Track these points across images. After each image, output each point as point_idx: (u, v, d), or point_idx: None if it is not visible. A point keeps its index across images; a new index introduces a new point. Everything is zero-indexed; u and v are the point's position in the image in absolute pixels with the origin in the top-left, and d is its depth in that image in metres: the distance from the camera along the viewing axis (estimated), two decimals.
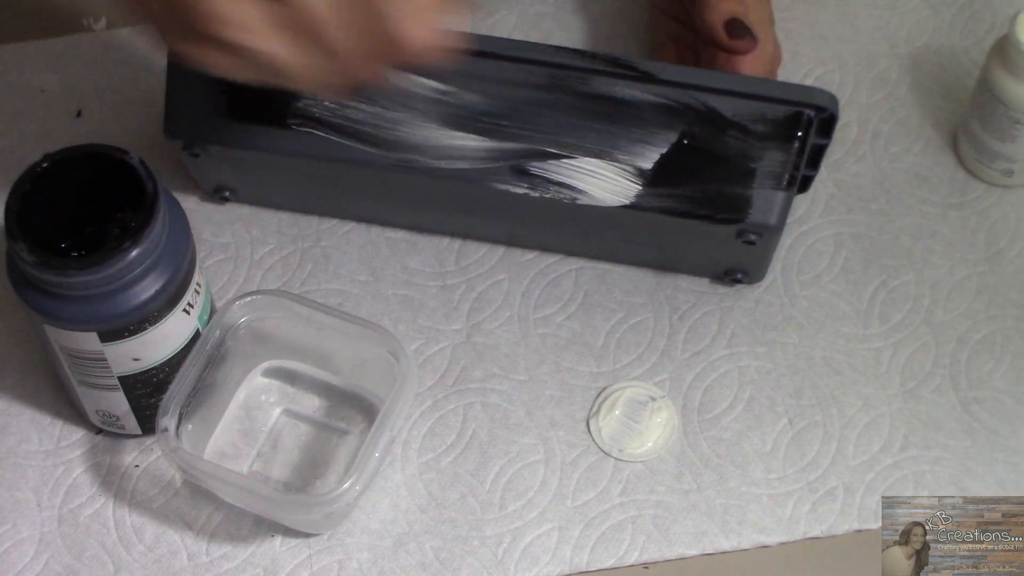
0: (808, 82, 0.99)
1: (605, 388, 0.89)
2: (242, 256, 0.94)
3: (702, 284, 0.93)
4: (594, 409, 0.89)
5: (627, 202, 0.86)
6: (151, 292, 0.80)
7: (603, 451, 0.88)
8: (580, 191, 0.86)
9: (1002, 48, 0.90)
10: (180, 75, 0.89)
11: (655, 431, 0.88)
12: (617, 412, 0.88)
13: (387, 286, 0.93)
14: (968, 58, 1.00)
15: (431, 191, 0.89)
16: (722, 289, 0.93)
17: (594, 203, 0.86)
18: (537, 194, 0.87)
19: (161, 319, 0.81)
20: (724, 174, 0.85)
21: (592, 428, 0.88)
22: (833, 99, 0.86)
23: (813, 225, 0.94)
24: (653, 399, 0.89)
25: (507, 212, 0.90)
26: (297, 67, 0.71)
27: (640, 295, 0.92)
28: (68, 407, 0.89)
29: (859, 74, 1.00)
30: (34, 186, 0.80)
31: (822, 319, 0.92)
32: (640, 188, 0.86)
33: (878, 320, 0.91)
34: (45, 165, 0.81)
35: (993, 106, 0.91)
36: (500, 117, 0.87)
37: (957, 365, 0.90)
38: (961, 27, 1.01)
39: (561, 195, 0.86)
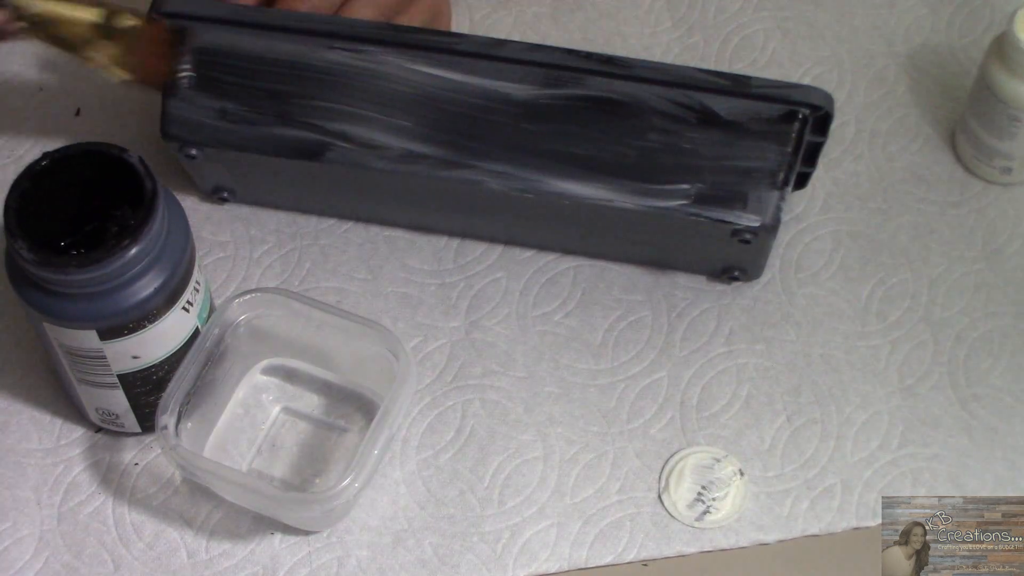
0: (806, 81, 0.99)
1: (670, 457, 0.87)
2: (241, 254, 0.94)
3: (700, 282, 0.93)
4: (663, 483, 0.87)
5: (623, 201, 0.86)
6: (150, 290, 0.80)
7: (679, 521, 0.86)
8: (576, 191, 0.86)
9: (1000, 46, 0.90)
10: (177, 78, 0.89)
11: (731, 498, 0.86)
12: (687, 482, 0.86)
13: (386, 284, 0.93)
14: (966, 56, 1.00)
15: (429, 191, 0.89)
16: (720, 287, 0.93)
17: (590, 202, 0.86)
18: (532, 194, 0.87)
19: (160, 317, 0.82)
20: (719, 173, 0.85)
21: (666, 502, 0.86)
22: (828, 97, 0.86)
23: (811, 223, 0.94)
24: (717, 460, 0.87)
25: (505, 211, 0.90)
26: None
27: (638, 293, 0.92)
28: (68, 405, 0.89)
29: (857, 73, 1.00)
30: (33, 184, 0.80)
31: (820, 317, 0.92)
32: (636, 187, 0.86)
33: (876, 318, 0.91)
34: (44, 163, 0.81)
35: (991, 104, 0.91)
36: (493, 117, 0.87)
37: (955, 363, 0.90)
38: (959, 25, 1.01)
39: (558, 194, 0.86)
